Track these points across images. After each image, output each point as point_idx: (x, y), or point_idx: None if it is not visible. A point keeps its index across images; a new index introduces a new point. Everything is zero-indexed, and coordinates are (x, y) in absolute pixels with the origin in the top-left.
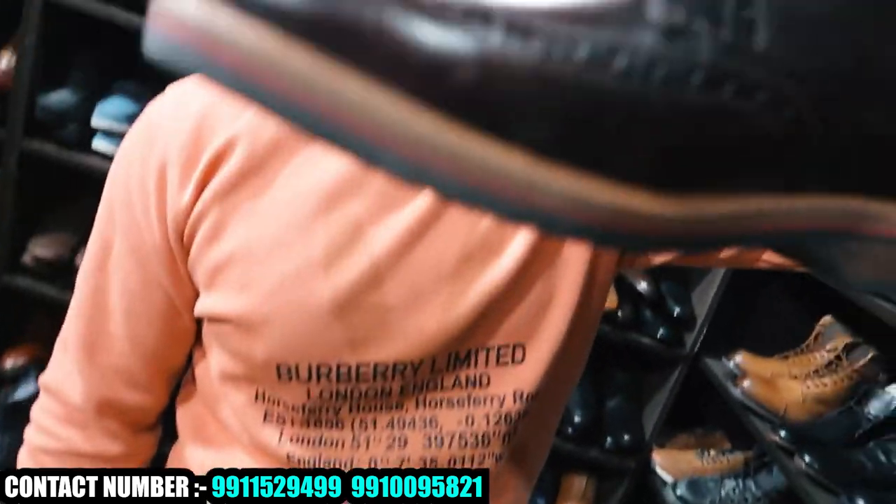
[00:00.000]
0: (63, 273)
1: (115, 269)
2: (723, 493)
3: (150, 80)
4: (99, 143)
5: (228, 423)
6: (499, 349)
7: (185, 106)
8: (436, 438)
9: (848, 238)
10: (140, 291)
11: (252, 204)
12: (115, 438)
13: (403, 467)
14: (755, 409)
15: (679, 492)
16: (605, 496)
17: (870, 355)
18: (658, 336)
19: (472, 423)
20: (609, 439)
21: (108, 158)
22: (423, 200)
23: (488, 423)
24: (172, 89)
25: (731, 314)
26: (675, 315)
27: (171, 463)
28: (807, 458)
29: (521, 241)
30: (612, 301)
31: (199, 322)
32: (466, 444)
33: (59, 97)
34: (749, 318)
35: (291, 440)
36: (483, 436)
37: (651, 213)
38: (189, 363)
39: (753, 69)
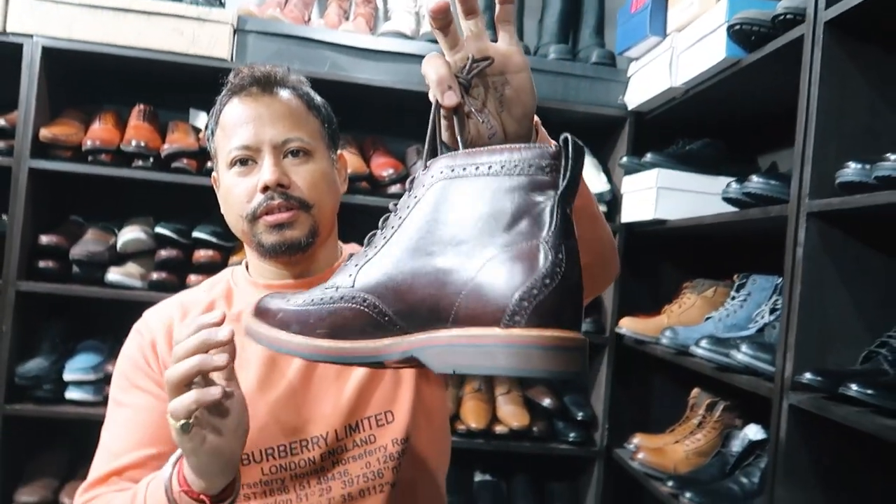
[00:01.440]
0: None
1: (132, 399)
2: None
3: (108, 335)
4: (72, 394)
5: None
6: (376, 416)
7: (157, 314)
8: (349, 481)
9: (423, 349)
10: (147, 406)
11: None
12: None
13: None
14: (651, 474)
15: None
16: None
17: (722, 406)
18: (570, 439)
19: (370, 466)
20: None
21: (81, 405)
22: None
23: (380, 462)
24: (147, 311)
25: (626, 408)
26: (579, 419)
27: None
28: (688, 495)
29: None
30: (524, 419)
31: None
32: (368, 479)
33: (34, 364)
34: (641, 407)
35: None
36: (378, 471)
37: (337, 347)
38: None
39: (351, 292)
